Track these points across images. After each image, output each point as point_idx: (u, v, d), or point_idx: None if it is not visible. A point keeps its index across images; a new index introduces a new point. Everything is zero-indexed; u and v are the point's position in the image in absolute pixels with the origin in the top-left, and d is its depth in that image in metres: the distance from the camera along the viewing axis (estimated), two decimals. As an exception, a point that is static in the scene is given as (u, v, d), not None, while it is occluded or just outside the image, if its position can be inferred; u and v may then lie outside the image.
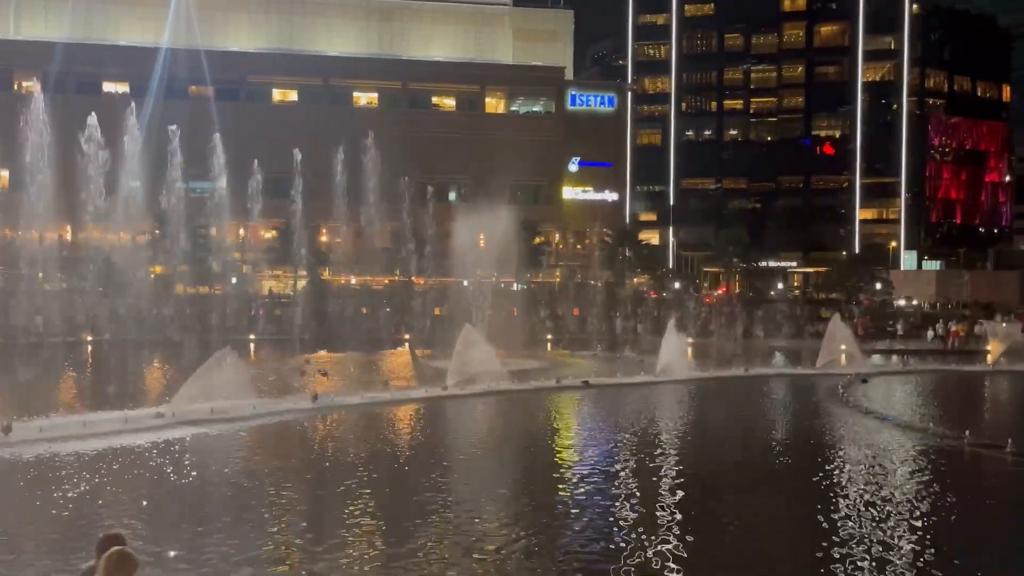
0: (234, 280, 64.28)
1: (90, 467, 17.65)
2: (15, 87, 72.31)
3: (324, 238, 73.10)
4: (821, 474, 18.15)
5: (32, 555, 12.29)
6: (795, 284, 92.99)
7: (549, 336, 54.31)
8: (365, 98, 79.17)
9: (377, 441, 21.95)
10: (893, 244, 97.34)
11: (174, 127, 66.80)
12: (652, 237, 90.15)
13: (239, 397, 24.05)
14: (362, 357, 41.49)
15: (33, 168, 68.54)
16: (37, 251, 69.33)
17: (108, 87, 72.44)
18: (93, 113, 69.83)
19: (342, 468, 18.05)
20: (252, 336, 51.47)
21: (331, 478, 17.14)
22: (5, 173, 71.36)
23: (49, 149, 68.33)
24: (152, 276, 65.56)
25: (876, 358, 46.86)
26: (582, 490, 16.82)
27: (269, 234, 69.39)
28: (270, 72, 75.58)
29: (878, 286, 71.39)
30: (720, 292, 77.50)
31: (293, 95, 77.63)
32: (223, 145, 71.15)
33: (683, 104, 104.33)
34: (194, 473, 17.48)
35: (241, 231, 73.82)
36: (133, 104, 69.22)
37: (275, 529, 13.81)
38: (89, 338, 49.74)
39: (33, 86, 71.10)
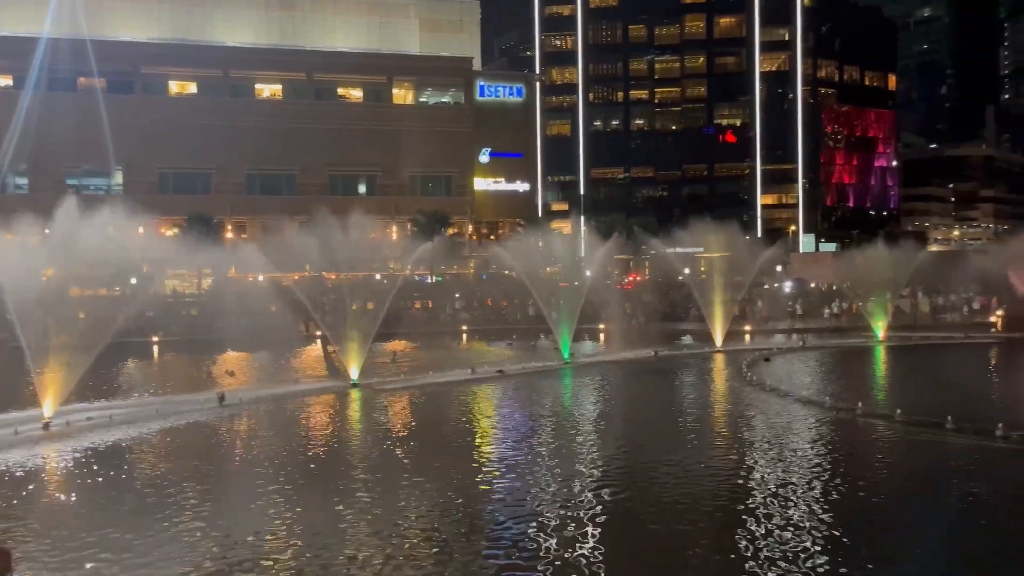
0: (133, 281, 61.53)
1: None
2: None
3: (229, 234, 70.89)
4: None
5: None
6: (702, 269, 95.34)
7: (464, 327, 54.29)
8: (268, 90, 77.06)
9: (286, 434, 21.61)
10: (793, 228, 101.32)
11: (64, 121, 63.35)
12: (564, 226, 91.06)
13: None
14: (272, 356, 40.44)
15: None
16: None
17: (-11, 80, 68.31)
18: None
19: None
20: (155, 338, 49.48)
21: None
22: None
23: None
24: (44, 279, 62.19)
25: (778, 338, 48.71)
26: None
27: (171, 232, 66.84)
28: (166, 63, 72.63)
29: (779, 268, 74.06)
30: (631, 279, 78.94)
31: (192, 87, 74.85)
32: (119, 140, 68.07)
33: (591, 95, 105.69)
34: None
35: (140, 229, 70.73)
36: (17, 97, 65.59)
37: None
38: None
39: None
